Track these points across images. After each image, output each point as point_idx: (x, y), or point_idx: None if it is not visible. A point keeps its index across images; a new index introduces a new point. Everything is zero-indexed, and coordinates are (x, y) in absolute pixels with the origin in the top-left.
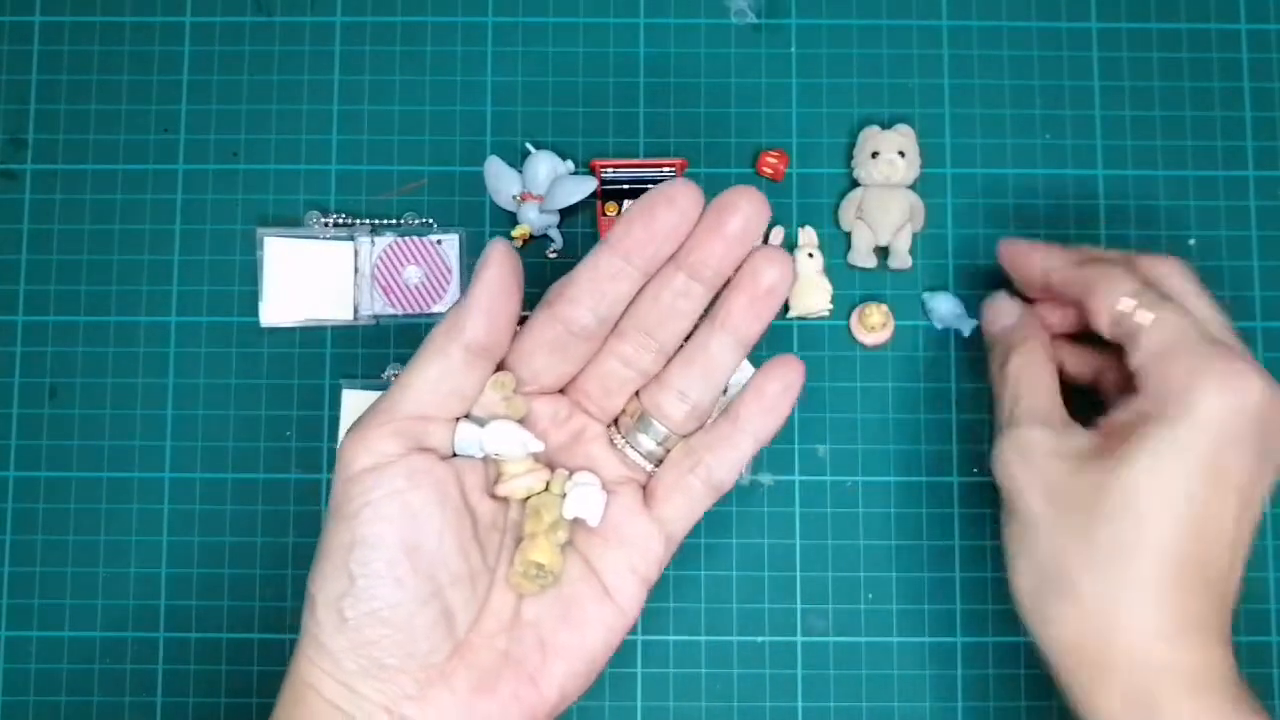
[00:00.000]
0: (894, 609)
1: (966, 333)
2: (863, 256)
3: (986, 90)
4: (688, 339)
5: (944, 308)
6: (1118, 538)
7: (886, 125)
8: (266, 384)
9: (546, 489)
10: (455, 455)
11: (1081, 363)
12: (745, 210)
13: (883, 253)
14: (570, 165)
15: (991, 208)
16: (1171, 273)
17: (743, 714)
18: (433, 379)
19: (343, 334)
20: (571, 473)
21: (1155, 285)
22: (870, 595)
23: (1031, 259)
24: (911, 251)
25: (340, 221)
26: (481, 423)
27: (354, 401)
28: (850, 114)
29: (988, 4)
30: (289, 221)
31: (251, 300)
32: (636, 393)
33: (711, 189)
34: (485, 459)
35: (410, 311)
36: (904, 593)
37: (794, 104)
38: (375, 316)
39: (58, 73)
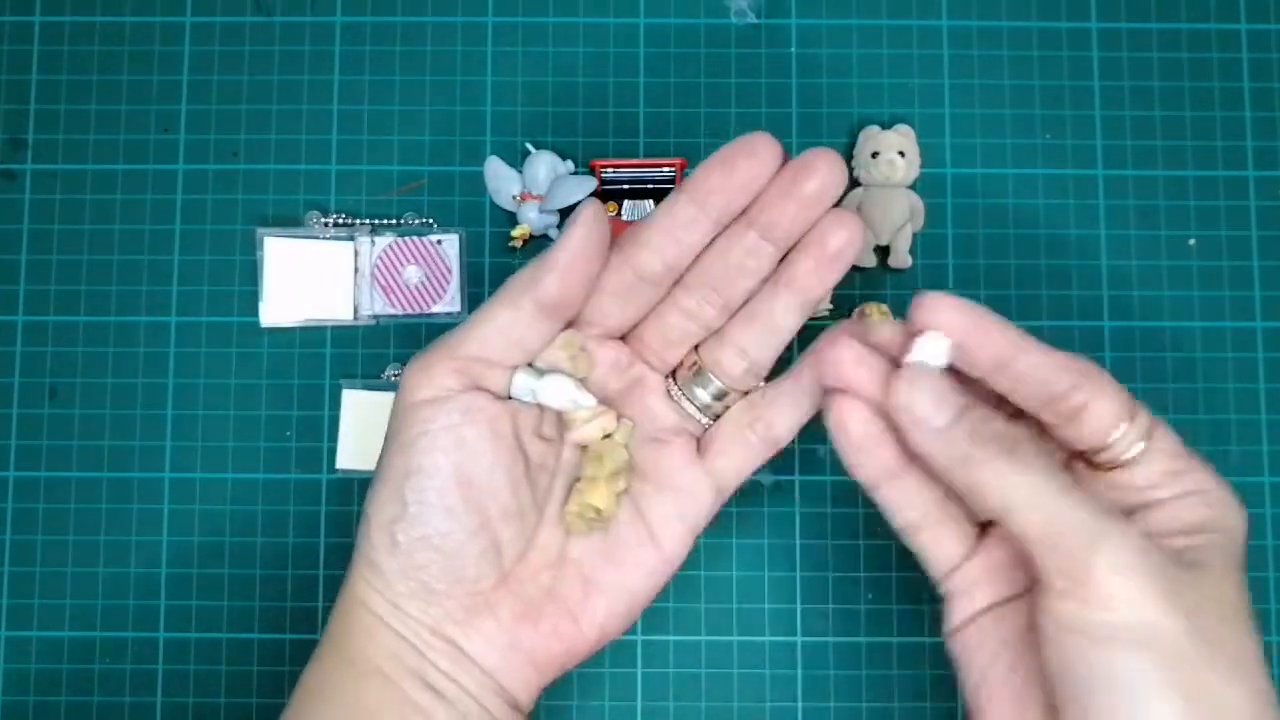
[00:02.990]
0: (894, 609)
1: None
2: (863, 256)
3: (986, 90)
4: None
5: None
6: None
7: (886, 125)
8: (266, 384)
9: (610, 437)
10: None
11: None
12: (823, 172)
13: (883, 253)
14: (570, 165)
15: (991, 208)
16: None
17: (743, 714)
18: (500, 326)
19: (343, 334)
20: (635, 422)
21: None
22: (870, 595)
23: (1005, 340)
24: (911, 251)
25: (340, 221)
26: (541, 373)
27: (354, 401)
28: (850, 114)
29: (988, 4)
30: (289, 221)
31: (251, 300)
32: (697, 346)
33: None
34: (540, 406)
35: (410, 311)
36: (904, 593)
37: (794, 104)
38: (375, 316)
39: (58, 73)
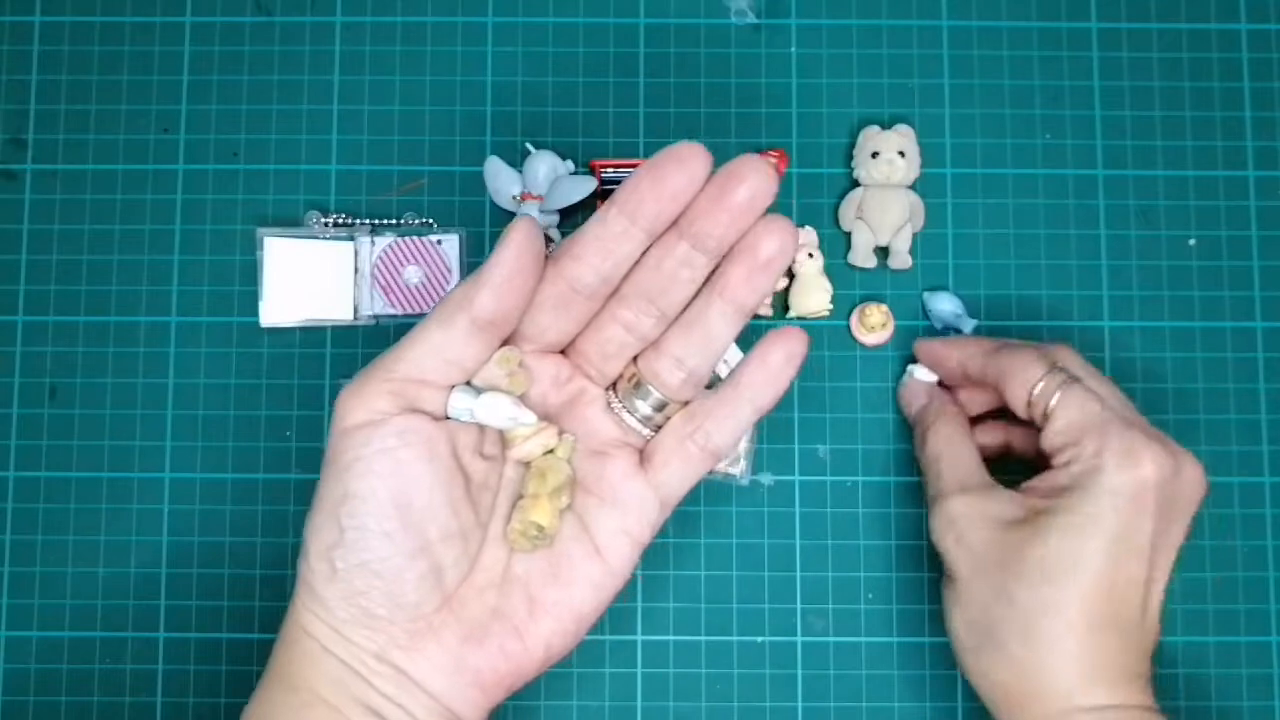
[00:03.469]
0: (894, 609)
1: (967, 332)
2: (863, 256)
3: (986, 90)
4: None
5: (944, 308)
6: (1036, 599)
7: (886, 125)
8: (266, 384)
9: (552, 453)
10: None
11: (994, 436)
12: (751, 181)
13: (883, 253)
14: (570, 165)
15: (991, 208)
16: (1067, 358)
17: (743, 714)
18: (434, 345)
19: (343, 334)
20: (576, 437)
21: (1063, 368)
22: (870, 595)
23: (948, 354)
24: (911, 251)
25: (340, 221)
26: (478, 391)
27: None
28: (850, 114)
29: (988, 4)
30: (289, 221)
31: (251, 300)
32: (635, 358)
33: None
34: (480, 425)
35: (410, 311)
36: (904, 593)
37: (794, 104)
38: (375, 316)
39: (58, 73)
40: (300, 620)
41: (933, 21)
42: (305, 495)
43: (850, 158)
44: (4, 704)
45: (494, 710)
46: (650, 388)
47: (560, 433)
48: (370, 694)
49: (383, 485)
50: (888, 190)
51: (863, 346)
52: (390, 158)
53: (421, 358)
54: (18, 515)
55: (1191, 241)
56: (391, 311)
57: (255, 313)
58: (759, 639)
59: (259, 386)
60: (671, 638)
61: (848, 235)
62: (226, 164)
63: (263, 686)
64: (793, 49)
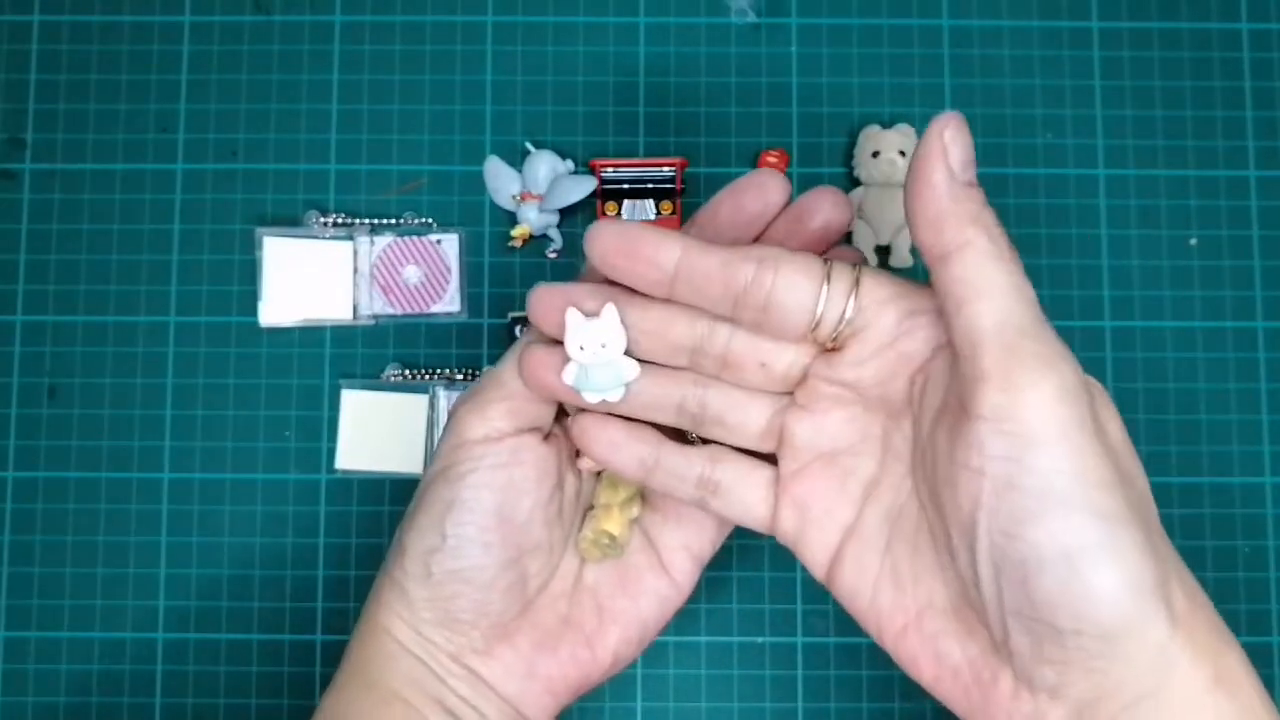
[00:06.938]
0: None
1: None
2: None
3: (987, 90)
4: None
5: None
6: None
7: (887, 124)
8: (265, 384)
9: None
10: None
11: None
12: (826, 213)
13: (883, 252)
14: (570, 165)
15: (992, 208)
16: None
17: (743, 715)
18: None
19: (342, 334)
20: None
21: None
22: None
23: (660, 253)
24: (912, 251)
25: (339, 221)
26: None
27: (353, 401)
28: (850, 113)
29: (989, 3)
30: (288, 221)
31: (250, 300)
32: None
33: (711, 189)
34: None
35: (410, 311)
36: None
37: (794, 103)
38: (374, 316)
39: (56, 72)
40: (380, 619)
41: (933, 21)
42: (304, 495)
43: (851, 157)
44: (2, 705)
45: (561, 713)
46: None
47: None
48: (446, 694)
49: (491, 497)
50: (889, 189)
51: None
52: (389, 157)
53: None
54: (16, 516)
55: (1193, 241)
56: (391, 311)
57: (254, 312)
58: (759, 640)
59: (258, 386)
60: (672, 639)
61: (848, 234)
62: (225, 163)
63: (337, 685)
64: (793, 48)
